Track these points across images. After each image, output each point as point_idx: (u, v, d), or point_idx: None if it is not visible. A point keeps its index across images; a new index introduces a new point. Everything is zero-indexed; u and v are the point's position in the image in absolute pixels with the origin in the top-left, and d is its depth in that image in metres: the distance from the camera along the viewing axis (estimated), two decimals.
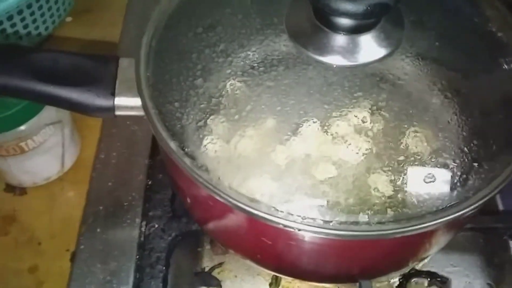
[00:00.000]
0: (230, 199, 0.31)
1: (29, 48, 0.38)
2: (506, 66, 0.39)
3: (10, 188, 0.54)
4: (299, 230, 0.30)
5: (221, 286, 0.48)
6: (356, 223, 0.31)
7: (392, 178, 0.37)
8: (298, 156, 0.38)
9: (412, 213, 0.32)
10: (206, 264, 0.49)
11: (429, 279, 0.48)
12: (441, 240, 0.39)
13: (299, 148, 0.38)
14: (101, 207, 0.47)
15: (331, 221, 0.31)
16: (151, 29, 0.38)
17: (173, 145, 0.32)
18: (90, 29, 0.66)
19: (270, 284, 0.49)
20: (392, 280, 0.49)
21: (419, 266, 0.49)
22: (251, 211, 0.31)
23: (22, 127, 0.48)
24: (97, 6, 0.69)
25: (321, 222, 0.31)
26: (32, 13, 0.61)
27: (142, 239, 0.45)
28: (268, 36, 0.36)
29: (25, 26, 0.61)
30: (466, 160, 0.36)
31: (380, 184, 0.37)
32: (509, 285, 0.47)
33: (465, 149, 0.37)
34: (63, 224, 0.51)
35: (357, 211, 0.34)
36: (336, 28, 0.34)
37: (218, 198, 0.31)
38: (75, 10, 0.68)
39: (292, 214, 0.31)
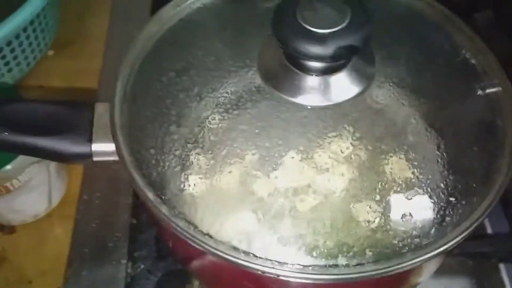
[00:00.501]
0: (208, 247, 0.31)
1: (3, 100, 0.38)
2: (481, 92, 0.39)
3: None
4: (278, 276, 0.30)
5: None
6: (336, 266, 0.31)
7: (373, 210, 0.37)
8: (280, 189, 0.38)
9: (390, 252, 0.32)
10: None
11: None
12: (425, 272, 0.38)
13: (280, 181, 0.38)
14: (86, 250, 0.47)
15: (310, 266, 0.30)
16: (125, 73, 0.38)
17: (149, 194, 0.32)
18: (73, 61, 0.66)
19: None
20: None
21: None
22: (229, 258, 0.30)
23: (7, 167, 0.48)
24: (79, 38, 0.69)
25: (299, 267, 0.30)
26: (12, 50, 0.60)
27: (128, 280, 0.45)
28: (241, 78, 0.36)
29: (6, 63, 0.61)
30: (444, 194, 0.36)
31: (362, 214, 0.37)
32: None
33: (443, 183, 0.37)
34: (53, 261, 0.50)
35: (336, 252, 0.34)
36: (307, 70, 0.34)
37: (195, 246, 0.31)
38: (57, 43, 0.68)
39: (270, 260, 0.31)
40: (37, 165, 0.56)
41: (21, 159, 0.49)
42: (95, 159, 0.37)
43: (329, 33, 0.31)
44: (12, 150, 0.37)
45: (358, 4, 0.32)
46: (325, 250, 0.33)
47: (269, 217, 0.37)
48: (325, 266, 0.31)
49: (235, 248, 0.31)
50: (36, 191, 0.54)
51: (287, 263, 0.30)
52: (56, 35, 0.68)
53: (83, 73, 0.65)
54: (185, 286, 0.50)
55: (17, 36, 0.60)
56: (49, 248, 0.51)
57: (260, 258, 0.31)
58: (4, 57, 0.60)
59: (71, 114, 0.38)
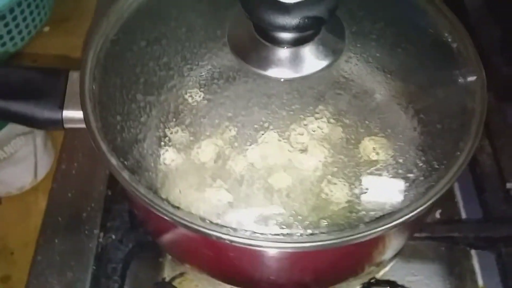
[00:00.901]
0: (165, 212, 0.31)
1: None
2: (456, 77, 0.39)
3: None
4: (231, 242, 0.30)
5: None
6: (291, 235, 0.31)
7: (347, 186, 0.37)
8: (254, 166, 0.38)
9: (346, 224, 0.32)
10: (168, 274, 0.49)
11: None
12: (387, 249, 0.39)
13: (256, 157, 0.38)
14: (60, 218, 0.47)
15: (262, 233, 0.31)
16: (99, 42, 0.38)
17: (112, 158, 0.32)
18: (69, 38, 0.66)
19: None
20: None
21: (379, 275, 0.49)
22: (184, 223, 0.31)
23: None
24: (75, 15, 0.69)
25: (251, 234, 0.31)
26: (6, 24, 0.61)
27: (99, 250, 0.45)
28: (211, 49, 0.36)
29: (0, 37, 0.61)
30: (412, 172, 0.36)
31: (334, 191, 0.37)
32: None
33: (413, 161, 0.36)
34: (36, 233, 0.50)
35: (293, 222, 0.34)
36: (276, 42, 0.34)
37: (154, 211, 0.31)
38: (52, 19, 0.68)
39: (225, 227, 0.31)
40: (23, 137, 0.57)
41: (7, 130, 0.49)
42: (66, 126, 0.38)
43: (295, 3, 0.31)
44: None
45: None
46: (285, 222, 0.33)
47: (242, 194, 0.37)
48: (279, 234, 0.31)
49: (191, 213, 0.31)
50: (22, 163, 0.55)
51: (240, 229, 0.30)
52: (52, 11, 0.68)
53: (78, 50, 0.64)
54: (158, 259, 0.50)
55: (11, 11, 0.60)
56: (33, 220, 0.51)
57: (215, 223, 0.31)
58: None
59: (44, 81, 0.38)
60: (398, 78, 0.38)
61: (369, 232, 0.30)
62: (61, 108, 0.37)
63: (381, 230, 0.30)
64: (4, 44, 0.63)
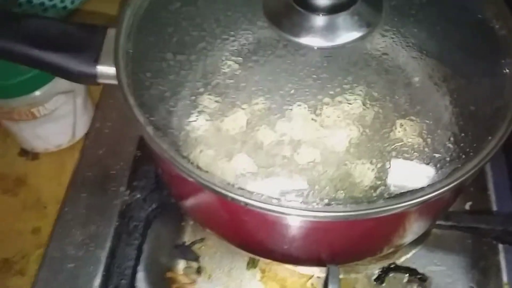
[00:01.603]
0: (185, 170, 0.31)
1: (21, 14, 0.40)
2: (507, 70, 0.37)
3: (24, 152, 0.56)
4: (246, 204, 0.30)
5: (199, 260, 0.49)
6: (307, 203, 0.31)
7: (373, 165, 0.36)
8: (283, 138, 0.38)
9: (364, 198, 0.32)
10: (188, 238, 0.50)
11: (408, 275, 0.47)
12: (412, 227, 0.38)
13: (285, 130, 0.38)
14: (89, 173, 0.49)
15: (290, 201, 0.31)
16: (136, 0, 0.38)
17: (138, 112, 0.33)
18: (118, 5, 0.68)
19: (248, 263, 0.49)
20: (370, 272, 0.48)
21: (400, 261, 0.48)
22: (208, 185, 0.31)
23: (35, 94, 0.49)
24: None
25: (276, 201, 0.30)
26: None
27: (124, 207, 0.47)
28: (245, 14, 0.36)
29: None
30: (441, 151, 0.35)
31: (360, 169, 0.36)
32: None
33: (446, 144, 0.35)
34: None
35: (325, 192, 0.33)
36: (311, 8, 0.34)
37: (175, 168, 0.32)
38: None
39: (252, 192, 0.31)
40: (64, 95, 0.58)
41: (49, 87, 0.50)
42: (99, 80, 0.38)
43: None
44: (22, 62, 0.39)
45: None
46: (304, 193, 0.33)
47: (267, 165, 0.37)
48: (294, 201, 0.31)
49: (209, 173, 0.31)
50: (61, 121, 0.56)
51: (256, 193, 0.30)
52: None
53: None
54: (180, 223, 0.51)
55: None
56: (67, 178, 0.52)
57: (231, 185, 0.31)
58: None
59: (83, 36, 0.39)
60: (435, 58, 0.37)
61: (387, 208, 0.30)
62: (96, 62, 0.37)
63: (400, 207, 0.30)
64: (54, 5, 0.64)
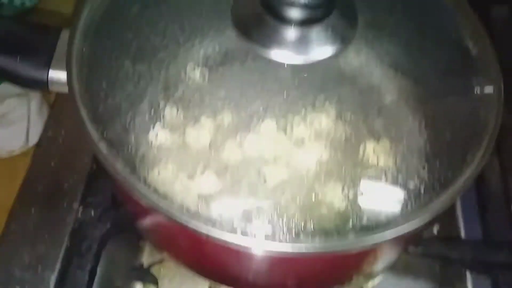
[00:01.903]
0: (142, 194, 0.29)
1: None
2: (477, 89, 0.36)
3: None
4: (207, 236, 0.28)
5: (157, 284, 0.46)
6: (273, 236, 0.29)
7: (341, 188, 0.34)
8: (250, 155, 0.36)
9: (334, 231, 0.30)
10: (146, 259, 0.48)
11: None
12: (382, 258, 0.36)
13: (252, 147, 0.36)
14: (39, 186, 0.45)
15: (250, 232, 0.28)
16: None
17: (89, 126, 0.30)
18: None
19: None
20: None
21: (368, 286, 0.47)
22: (167, 214, 0.28)
23: None
24: None
25: (241, 233, 0.28)
26: None
27: (76, 225, 0.43)
28: (212, 21, 0.34)
29: None
30: (415, 183, 0.33)
31: (327, 192, 0.35)
32: None
33: (417, 171, 0.34)
34: None
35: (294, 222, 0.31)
36: (282, 18, 0.31)
37: (128, 190, 0.29)
38: None
39: (214, 222, 0.29)
40: (17, 98, 0.55)
41: (1, 89, 0.48)
42: (51, 87, 0.35)
43: None
44: None
45: None
46: (270, 219, 0.31)
47: (231, 184, 0.35)
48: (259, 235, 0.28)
49: (168, 198, 0.29)
50: (14, 126, 0.54)
51: (218, 223, 0.28)
52: None
53: None
54: (137, 243, 0.48)
55: None
56: (18, 186, 0.50)
57: (193, 213, 0.28)
58: None
59: (33, 37, 0.36)
60: (410, 78, 0.35)
61: (358, 244, 0.28)
62: (47, 67, 0.35)
63: (371, 244, 0.28)
64: (11, 2, 0.61)
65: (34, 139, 0.54)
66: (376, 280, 0.47)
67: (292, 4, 0.29)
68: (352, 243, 0.28)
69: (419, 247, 0.42)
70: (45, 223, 0.43)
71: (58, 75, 0.34)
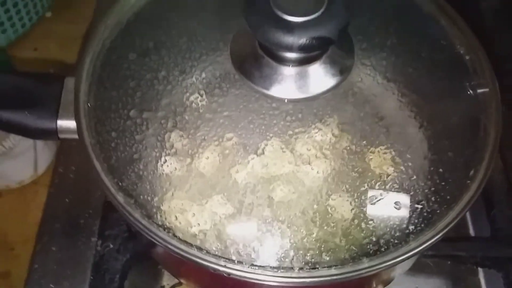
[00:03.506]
0: (160, 240, 0.30)
1: None
2: (469, 90, 0.37)
3: None
4: (229, 274, 0.29)
5: None
6: (292, 269, 0.30)
7: (349, 206, 0.35)
8: (258, 177, 0.36)
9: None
10: (166, 282, 0.49)
11: None
12: (396, 271, 0.37)
13: (259, 168, 0.37)
14: (57, 225, 0.46)
15: (270, 267, 0.29)
16: (96, 48, 0.36)
17: (106, 180, 0.31)
18: (71, 25, 0.66)
19: None
20: None
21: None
22: (179, 252, 0.29)
23: None
24: (77, 2, 0.68)
25: (260, 270, 0.29)
26: (6, 11, 0.60)
27: (97, 258, 0.44)
28: (212, 63, 0.35)
29: (0, 24, 0.61)
30: (422, 196, 0.35)
31: (339, 208, 0.36)
32: None
33: (423, 183, 0.35)
34: (36, 228, 0.48)
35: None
36: (280, 60, 0.32)
37: (147, 236, 0.30)
38: (55, 5, 0.68)
39: (233, 261, 0.30)
40: None
41: None
42: (61, 136, 0.36)
43: (302, 22, 0.29)
44: None
45: None
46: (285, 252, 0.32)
47: (244, 205, 0.36)
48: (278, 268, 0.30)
49: (188, 243, 0.30)
50: (22, 157, 0.55)
51: (237, 262, 0.29)
52: None
53: (80, 38, 0.63)
54: (157, 266, 0.49)
55: None
56: (32, 215, 0.51)
57: (213, 255, 0.30)
58: None
59: (38, 88, 0.37)
60: (411, 96, 0.36)
61: (371, 269, 0.29)
62: (55, 117, 0.35)
63: (385, 266, 0.29)
64: (4, 30, 0.62)
65: (42, 167, 0.55)
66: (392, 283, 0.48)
67: (289, 49, 0.29)
68: (365, 268, 0.29)
69: (430, 250, 0.43)
70: (67, 260, 0.45)
71: (66, 124, 0.35)
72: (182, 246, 0.30)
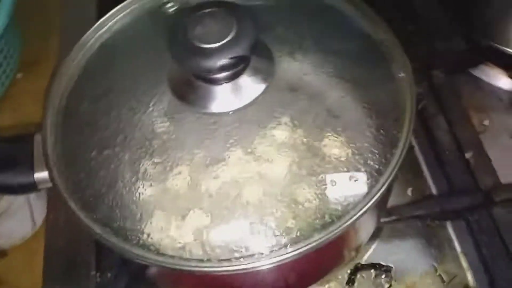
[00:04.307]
0: (142, 258, 0.34)
1: None
2: (400, 75, 0.40)
3: None
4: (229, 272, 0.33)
5: None
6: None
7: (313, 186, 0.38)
8: (227, 184, 0.39)
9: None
10: None
11: (374, 271, 0.51)
12: (363, 231, 0.41)
13: (228, 176, 0.39)
14: (57, 269, 0.50)
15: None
16: (55, 102, 0.40)
17: (80, 214, 0.35)
18: (43, 80, 0.65)
19: None
20: (341, 277, 0.51)
21: (364, 259, 0.52)
22: (177, 267, 0.34)
23: None
24: (43, 56, 0.69)
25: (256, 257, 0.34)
26: None
27: None
28: (154, 96, 0.38)
29: None
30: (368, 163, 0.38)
31: (303, 195, 0.38)
32: (451, 262, 0.49)
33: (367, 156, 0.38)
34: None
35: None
36: (211, 81, 0.36)
37: (128, 258, 0.34)
38: (23, 64, 0.68)
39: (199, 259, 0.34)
40: None
41: None
42: (40, 187, 0.40)
43: (217, 47, 0.33)
44: None
45: (243, 13, 0.34)
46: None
47: (219, 214, 0.38)
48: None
49: (161, 254, 0.34)
50: (19, 214, 0.56)
51: (206, 260, 0.33)
52: (22, 55, 0.68)
53: None
54: (154, 285, 0.53)
55: None
56: (38, 265, 0.52)
57: (184, 258, 0.33)
58: None
59: (13, 149, 0.41)
60: (347, 84, 0.40)
61: (340, 229, 0.33)
62: (32, 171, 0.39)
63: (356, 218, 0.33)
64: None
65: (40, 219, 0.57)
66: (370, 251, 0.52)
67: (211, 72, 0.34)
68: (332, 232, 0.33)
69: (392, 215, 0.47)
70: None
71: (42, 175, 0.39)
72: (160, 258, 0.34)
